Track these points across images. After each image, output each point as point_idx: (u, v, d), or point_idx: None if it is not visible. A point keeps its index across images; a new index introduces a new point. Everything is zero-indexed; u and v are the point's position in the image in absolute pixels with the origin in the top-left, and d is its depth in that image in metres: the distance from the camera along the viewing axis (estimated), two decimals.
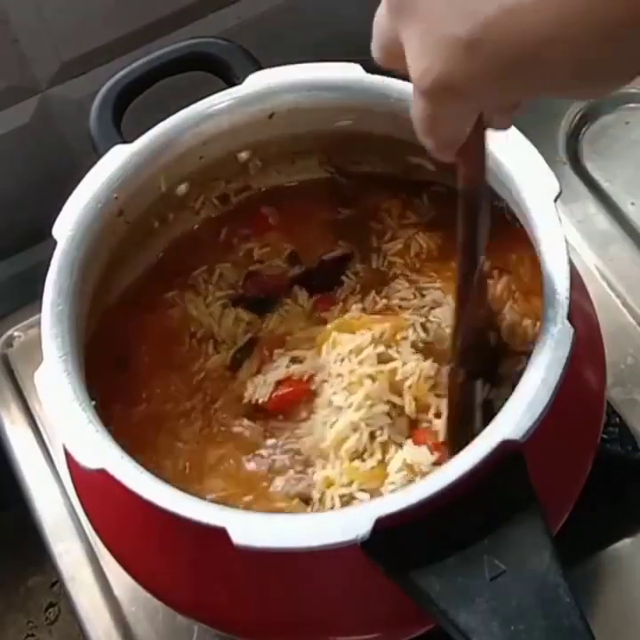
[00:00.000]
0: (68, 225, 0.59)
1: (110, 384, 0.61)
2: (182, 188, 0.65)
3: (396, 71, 0.42)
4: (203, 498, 0.53)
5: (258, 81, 0.63)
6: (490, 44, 0.36)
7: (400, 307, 0.63)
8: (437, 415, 0.58)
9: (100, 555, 0.70)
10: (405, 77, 0.41)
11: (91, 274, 0.59)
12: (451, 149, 0.45)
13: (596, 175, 0.82)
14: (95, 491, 0.59)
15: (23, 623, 1.03)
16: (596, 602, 0.65)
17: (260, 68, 0.64)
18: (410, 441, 0.57)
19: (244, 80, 0.63)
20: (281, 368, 0.61)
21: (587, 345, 0.58)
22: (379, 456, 0.57)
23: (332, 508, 0.55)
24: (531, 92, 0.40)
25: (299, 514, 0.56)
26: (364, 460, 0.57)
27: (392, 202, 0.67)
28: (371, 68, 0.62)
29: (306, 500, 0.57)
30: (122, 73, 0.65)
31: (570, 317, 0.51)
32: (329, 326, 0.61)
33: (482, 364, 0.56)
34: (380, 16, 0.42)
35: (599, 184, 0.82)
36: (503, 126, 0.47)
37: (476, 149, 0.47)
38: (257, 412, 0.61)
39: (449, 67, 0.37)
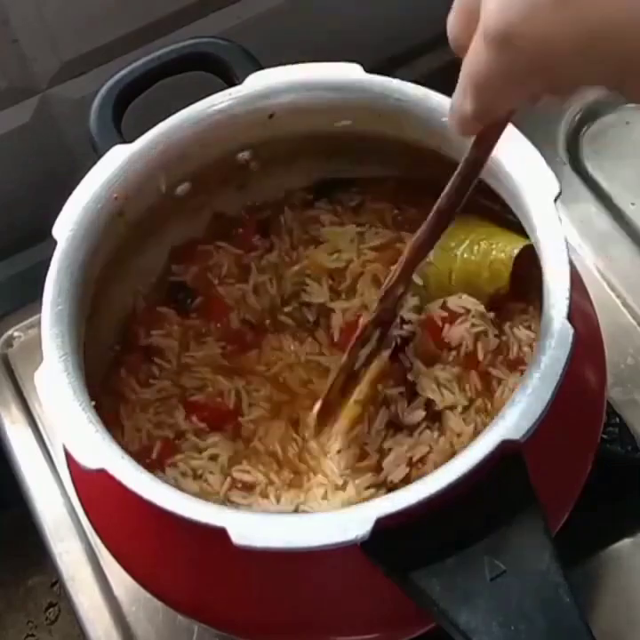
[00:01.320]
0: (68, 225, 0.59)
1: None
2: (182, 188, 0.65)
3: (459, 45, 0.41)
4: None
5: (258, 81, 0.63)
6: (579, 6, 0.35)
7: None
8: None
9: (100, 555, 0.70)
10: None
11: (91, 274, 0.59)
12: (481, 121, 0.43)
13: (596, 175, 0.82)
14: (95, 491, 0.59)
15: (23, 623, 1.03)
16: (596, 602, 0.65)
17: (260, 67, 0.64)
18: None
19: (243, 80, 0.63)
20: None
21: (587, 345, 0.58)
22: None
23: None
24: (600, 71, 0.38)
25: (299, 514, 0.56)
26: None
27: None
28: (371, 68, 0.62)
29: None
30: (122, 73, 0.65)
31: (570, 317, 0.51)
32: None
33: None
34: None
35: (599, 184, 0.82)
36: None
37: (494, 136, 0.47)
38: None
39: (532, 16, 0.36)
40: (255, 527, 0.48)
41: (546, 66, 0.38)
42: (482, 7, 0.38)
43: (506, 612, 0.46)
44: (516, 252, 0.61)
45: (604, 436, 0.67)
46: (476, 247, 0.62)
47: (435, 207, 0.51)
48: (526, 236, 0.57)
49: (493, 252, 0.61)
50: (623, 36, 0.36)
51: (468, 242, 0.63)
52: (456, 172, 0.49)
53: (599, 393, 0.59)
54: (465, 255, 0.62)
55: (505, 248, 0.61)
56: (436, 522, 0.48)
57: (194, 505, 0.49)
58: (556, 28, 0.36)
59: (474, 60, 0.40)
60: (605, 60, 0.37)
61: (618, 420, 0.69)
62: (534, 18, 0.36)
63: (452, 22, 0.42)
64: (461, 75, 0.42)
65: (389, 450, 0.57)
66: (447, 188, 0.50)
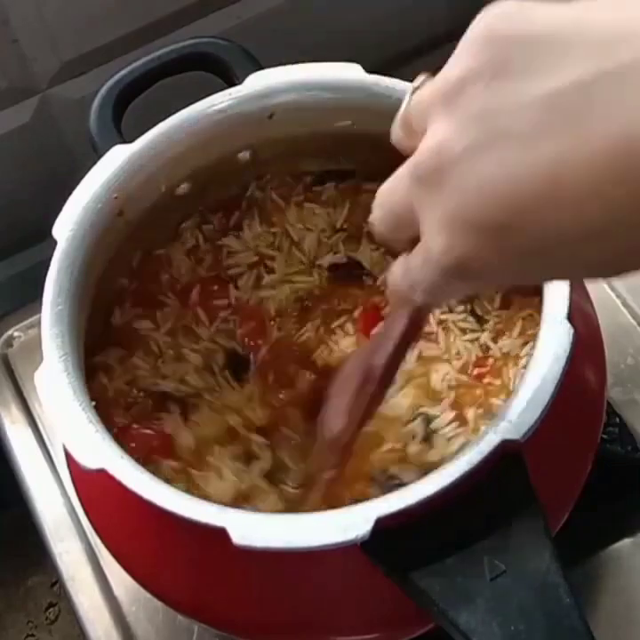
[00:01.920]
0: (68, 225, 0.59)
1: None
2: (182, 188, 0.65)
3: (391, 242, 0.41)
4: None
5: (258, 81, 0.63)
6: (521, 232, 0.34)
7: None
8: None
9: (100, 555, 0.70)
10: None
11: (91, 274, 0.59)
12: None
13: None
14: (95, 491, 0.59)
15: (23, 623, 1.04)
16: (596, 602, 0.65)
17: (260, 67, 0.64)
18: None
19: (243, 80, 0.63)
20: None
21: (587, 345, 0.58)
22: None
23: None
24: (550, 279, 0.43)
25: (299, 514, 0.56)
26: None
27: None
28: (371, 68, 0.62)
29: None
30: (122, 73, 0.65)
31: (570, 317, 0.51)
32: None
33: None
34: (399, 180, 0.39)
35: None
36: None
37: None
38: None
39: (474, 250, 0.35)
40: (255, 527, 0.48)
41: (489, 280, 0.39)
42: (422, 234, 0.38)
43: (506, 611, 0.46)
44: None
45: (604, 436, 0.67)
46: None
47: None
48: None
49: None
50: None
51: None
52: (392, 339, 0.50)
53: (599, 393, 0.59)
54: None
55: None
56: (436, 522, 0.48)
57: (194, 505, 0.49)
58: (504, 251, 0.35)
59: (423, 275, 0.39)
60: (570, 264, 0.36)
61: (618, 420, 0.69)
62: (481, 249, 0.35)
63: (383, 219, 0.41)
64: (406, 273, 0.41)
65: None
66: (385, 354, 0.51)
